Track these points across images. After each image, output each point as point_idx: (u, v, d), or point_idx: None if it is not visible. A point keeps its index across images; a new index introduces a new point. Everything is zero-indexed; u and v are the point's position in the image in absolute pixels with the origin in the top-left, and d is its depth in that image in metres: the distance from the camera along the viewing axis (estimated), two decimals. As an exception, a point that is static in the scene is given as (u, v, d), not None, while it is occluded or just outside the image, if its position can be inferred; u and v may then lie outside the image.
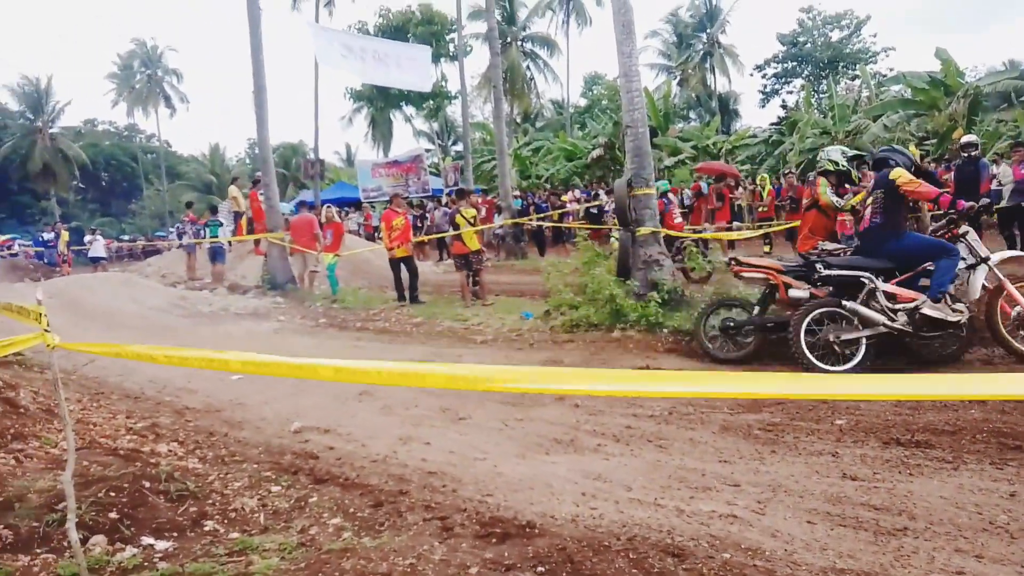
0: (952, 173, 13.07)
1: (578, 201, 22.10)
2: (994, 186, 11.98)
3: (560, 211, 20.83)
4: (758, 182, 18.86)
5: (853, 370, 5.81)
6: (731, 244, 16.57)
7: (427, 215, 18.76)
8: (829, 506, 3.44)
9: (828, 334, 5.94)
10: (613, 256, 9.67)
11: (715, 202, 16.73)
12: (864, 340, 5.88)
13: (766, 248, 15.03)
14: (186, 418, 5.82)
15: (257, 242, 16.02)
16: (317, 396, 6.10)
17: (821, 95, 37.99)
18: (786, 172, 18.00)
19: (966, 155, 12.18)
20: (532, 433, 4.93)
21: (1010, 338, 5.68)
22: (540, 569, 2.96)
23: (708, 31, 43.45)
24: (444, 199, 20.10)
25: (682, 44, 44.69)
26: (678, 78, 44.43)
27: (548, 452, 4.55)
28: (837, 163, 7.55)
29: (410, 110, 42.70)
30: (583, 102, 47.81)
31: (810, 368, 5.85)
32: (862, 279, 5.98)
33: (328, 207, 15.18)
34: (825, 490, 3.63)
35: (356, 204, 27.26)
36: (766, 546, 3.05)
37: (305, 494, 4.00)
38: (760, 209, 17.98)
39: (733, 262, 6.88)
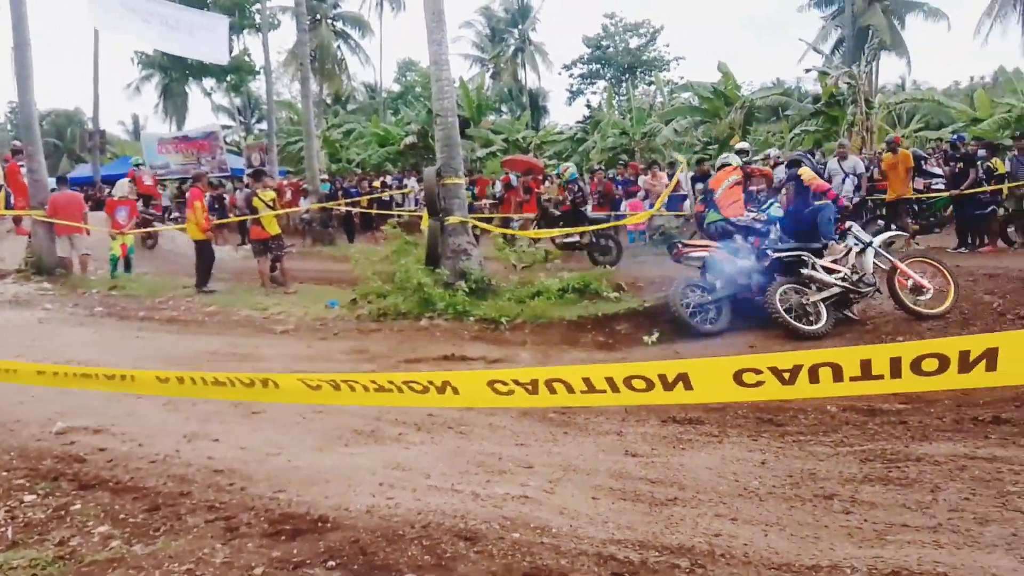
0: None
1: (390, 187, 21.80)
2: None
3: (370, 196, 20.40)
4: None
5: (824, 327, 6.83)
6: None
7: (225, 196, 17.53)
8: (613, 481, 3.68)
9: (797, 300, 6.94)
10: (422, 245, 9.67)
11: (523, 195, 17.26)
12: (823, 301, 6.97)
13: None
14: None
15: (18, 220, 14.07)
16: (89, 393, 5.48)
17: (622, 97, 40.49)
18: (596, 168, 18.95)
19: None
20: (332, 425, 4.79)
21: (908, 303, 6.90)
22: (331, 564, 2.88)
23: (520, 27, 44.67)
24: (245, 179, 18.93)
25: (495, 37, 45.57)
26: (491, 71, 45.26)
27: (348, 444, 4.45)
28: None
29: (210, 83, 39.66)
30: (396, 87, 47.19)
31: (791, 329, 6.76)
32: (803, 257, 7.17)
33: (122, 182, 13.64)
34: (610, 467, 3.88)
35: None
36: (554, 523, 3.19)
37: (67, 502, 3.59)
38: (566, 203, 18.77)
39: (679, 246, 7.71)
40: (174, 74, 37.36)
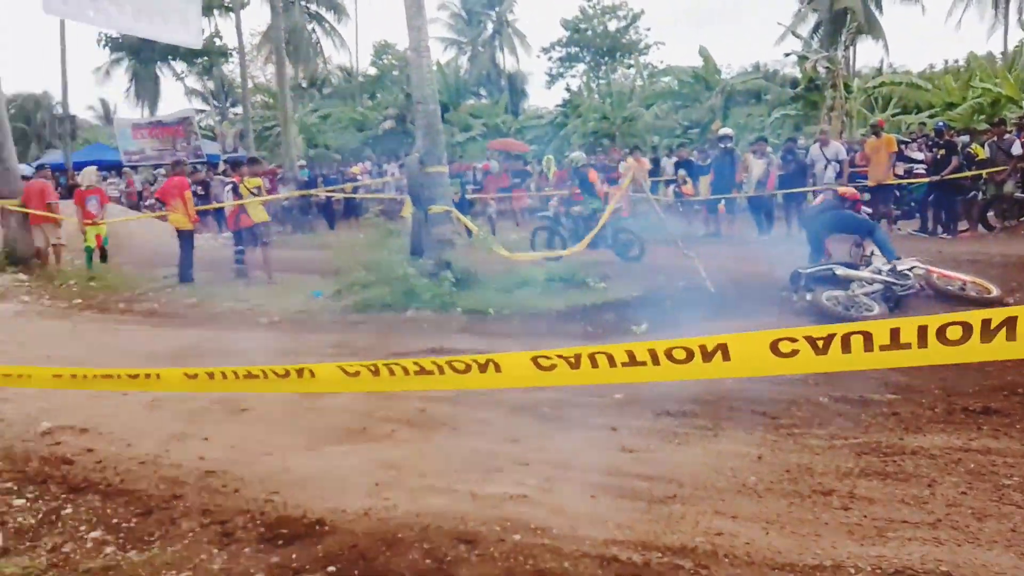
0: (711, 162, 14.52)
1: (369, 174, 21.60)
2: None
3: (353, 185, 20.20)
4: (544, 163, 19.65)
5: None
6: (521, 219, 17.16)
7: (209, 183, 17.17)
8: (609, 479, 3.67)
9: (845, 296, 6.81)
10: (405, 233, 9.60)
11: (510, 180, 17.21)
12: (869, 295, 6.84)
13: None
14: None
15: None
16: (72, 391, 5.37)
17: (601, 81, 40.38)
18: (569, 155, 18.94)
19: (723, 146, 13.59)
20: (322, 423, 4.73)
21: (956, 292, 7.02)
22: (331, 569, 2.85)
23: (497, 9, 44.26)
24: (221, 166, 18.62)
25: (471, 20, 45.12)
26: (468, 54, 44.87)
27: (339, 442, 4.39)
28: None
29: (180, 66, 38.92)
30: (373, 71, 46.64)
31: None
32: (835, 271, 7.00)
33: (89, 170, 13.31)
34: (606, 463, 3.86)
35: (116, 168, 24.42)
36: (553, 524, 3.17)
37: (57, 506, 3.52)
38: (546, 189, 18.74)
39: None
40: (144, 57, 36.58)
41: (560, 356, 2.02)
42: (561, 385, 4.00)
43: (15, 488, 3.74)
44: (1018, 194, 11.26)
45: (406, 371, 2.14)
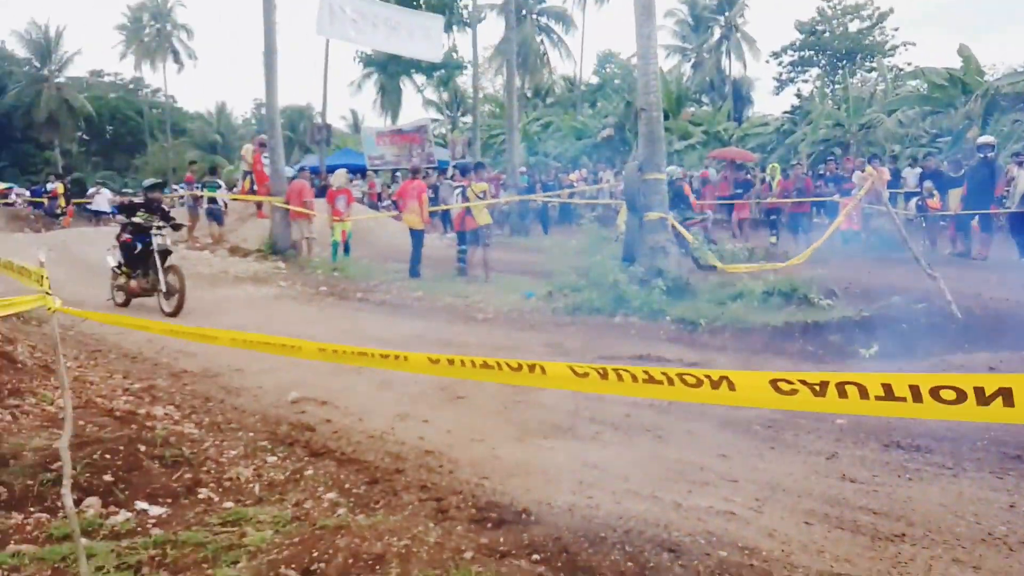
0: (965, 173, 12.94)
1: (585, 181, 21.93)
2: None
3: (568, 191, 20.67)
4: (768, 172, 18.70)
5: None
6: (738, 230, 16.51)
7: (439, 187, 18.50)
8: (827, 507, 3.43)
9: None
10: (619, 240, 9.62)
11: (732, 189, 16.63)
12: None
13: (772, 239, 14.93)
14: (183, 381, 5.79)
15: (259, 205, 15.89)
16: (315, 366, 6.05)
17: (836, 86, 37.57)
18: (794, 163, 17.84)
19: (982, 156, 12.05)
20: (530, 417, 4.91)
21: None
22: (535, 557, 2.95)
23: (726, 14, 42.86)
24: (450, 171, 19.91)
25: (699, 26, 44.08)
26: (692, 60, 43.92)
27: (546, 437, 4.53)
28: None
29: (420, 79, 42.20)
30: (595, 79, 47.28)
31: None
32: None
33: (340, 172, 14.96)
34: (824, 491, 3.61)
35: (361, 171, 27.08)
36: (763, 546, 3.03)
37: (301, 467, 3.99)
38: (769, 199, 17.84)
39: None
40: (391, 71, 40.12)
41: (803, 382, 1.83)
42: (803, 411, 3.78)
43: (269, 447, 4.29)
44: None
45: (635, 378, 2.12)
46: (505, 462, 4.07)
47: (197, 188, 16.78)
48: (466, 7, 35.12)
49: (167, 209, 9.84)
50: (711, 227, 16.21)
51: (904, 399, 1.66)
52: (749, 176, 18.92)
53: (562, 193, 19.93)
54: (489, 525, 3.24)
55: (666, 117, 26.59)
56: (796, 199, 14.76)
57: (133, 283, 8.95)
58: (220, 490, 3.61)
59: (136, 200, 9.95)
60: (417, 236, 11.94)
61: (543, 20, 42.52)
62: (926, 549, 3.00)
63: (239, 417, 4.86)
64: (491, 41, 40.89)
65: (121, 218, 9.54)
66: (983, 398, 1.56)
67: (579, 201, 19.65)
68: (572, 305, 8.65)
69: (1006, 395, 1.53)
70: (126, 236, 9.05)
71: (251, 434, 4.47)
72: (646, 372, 1.97)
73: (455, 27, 37.48)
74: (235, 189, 19.02)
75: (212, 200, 15.44)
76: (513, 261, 13.12)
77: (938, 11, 64.09)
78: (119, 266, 9.15)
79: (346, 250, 13.71)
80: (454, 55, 38.76)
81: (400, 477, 3.82)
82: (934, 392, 1.62)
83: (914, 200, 14.06)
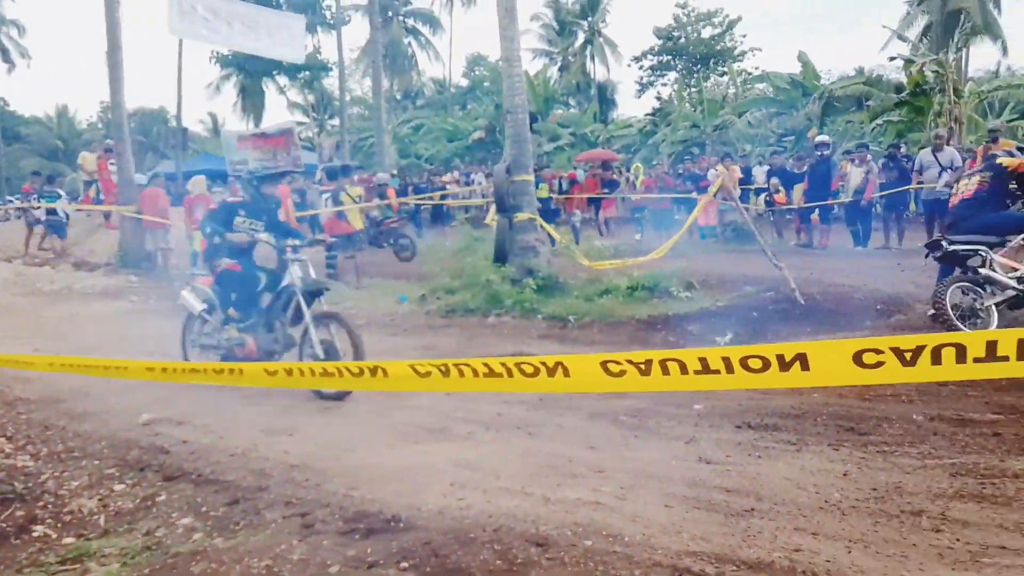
0: (806, 170, 14.01)
1: (458, 183, 21.98)
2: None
3: (441, 194, 20.62)
4: (631, 171, 19.49)
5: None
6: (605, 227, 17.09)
7: (306, 191, 17.88)
8: (687, 489, 3.59)
9: (969, 302, 6.17)
10: (490, 240, 9.72)
11: (599, 188, 17.17)
12: (996, 305, 6.14)
13: (637, 236, 15.56)
14: (17, 410, 5.29)
15: (107, 216, 14.79)
16: (173, 384, 5.70)
17: (693, 89, 39.67)
18: (655, 163, 18.72)
19: (819, 153, 13.09)
20: (404, 422, 4.84)
21: None
22: (404, 564, 2.91)
23: (589, 19, 44.23)
24: (318, 175, 19.32)
25: (563, 30, 45.24)
26: (559, 64, 45.00)
27: (419, 441, 4.49)
28: None
29: (284, 80, 40.79)
30: (465, 82, 47.49)
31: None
32: (980, 252, 6.24)
33: (197, 179, 14.14)
34: (684, 474, 3.79)
35: (222, 177, 25.80)
36: (627, 532, 3.13)
37: (153, 492, 3.74)
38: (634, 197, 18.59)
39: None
40: (251, 72, 38.52)
41: (630, 361, 1.93)
42: (632, 392, 3.94)
43: (117, 474, 4.01)
44: None
45: (475, 372, 2.14)
46: (376, 470, 3.99)
47: (34, 199, 15.36)
48: (329, 8, 34.29)
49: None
50: (580, 226, 16.73)
51: (718, 371, 1.77)
52: (615, 176, 19.64)
53: (434, 195, 19.87)
54: (357, 536, 3.16)
55: (535, 120, 27.21)
56: (658, 195, 15.49)
57: (249, 340, 5.77)
58: (59, 525, 3.32)
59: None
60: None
61: (410, 22, 42.26)
62: (772, 521, 3.20)
63: (83, 444, 4.50)
64: (358, 42, 40.19)
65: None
66: (784, 364, 1.68)
67: (452, 203, 19.66)
68: (446, 307, 8.65)
69: (802, 360, 1.66)
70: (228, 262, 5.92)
71: (96, 462, 4.15)
72: (486, 365, 2.00)
73: (319, 28, 36.53)
74: (78, 199, 17.61)
75: (51, 212, 14.21)
76: (385, 264, 12.93)
77: (785, 18, 69.29)
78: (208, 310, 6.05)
79: (207, 260, 13.00)
80: (319, 56, 37.76)
81: (263, 495, 3.66)
82: (743, 362, 1.74)
83: (763, 196, 15.09)
